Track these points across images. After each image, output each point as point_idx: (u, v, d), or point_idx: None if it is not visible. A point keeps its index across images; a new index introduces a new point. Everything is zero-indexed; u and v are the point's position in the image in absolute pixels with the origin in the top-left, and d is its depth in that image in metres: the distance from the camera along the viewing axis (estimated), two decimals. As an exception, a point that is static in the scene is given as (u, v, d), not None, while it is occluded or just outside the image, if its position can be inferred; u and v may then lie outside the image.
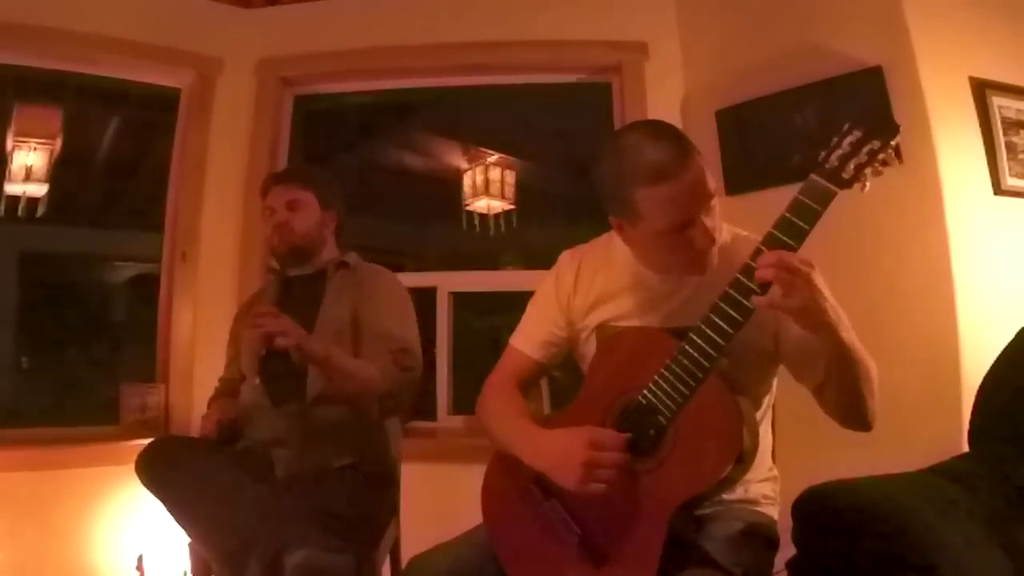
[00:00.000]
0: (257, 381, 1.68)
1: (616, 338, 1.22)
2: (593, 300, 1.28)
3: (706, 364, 1.02)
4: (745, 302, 0.98)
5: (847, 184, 0.95)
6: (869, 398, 1.06)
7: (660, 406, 1.06)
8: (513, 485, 1.19)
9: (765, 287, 0.96)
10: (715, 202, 1.11)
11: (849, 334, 1.01)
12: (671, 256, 1.15)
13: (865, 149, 0.94)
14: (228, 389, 1.80)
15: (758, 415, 1.20)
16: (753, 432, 1.10)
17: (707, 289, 1.13)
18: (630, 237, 1.19)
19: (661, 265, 1.20)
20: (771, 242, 0.98)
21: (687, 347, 1.04)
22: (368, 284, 1.74)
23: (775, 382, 1.27)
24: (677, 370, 1.04)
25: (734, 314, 0.99)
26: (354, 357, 1.62)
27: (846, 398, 1.07)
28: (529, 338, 1.33)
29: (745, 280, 0.99)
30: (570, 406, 1.22)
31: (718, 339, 1.00)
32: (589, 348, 1.28)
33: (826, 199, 0.95)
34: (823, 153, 0.96)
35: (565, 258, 1.37)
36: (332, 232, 1.84)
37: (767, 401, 1.26)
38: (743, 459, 1.07)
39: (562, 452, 1.08)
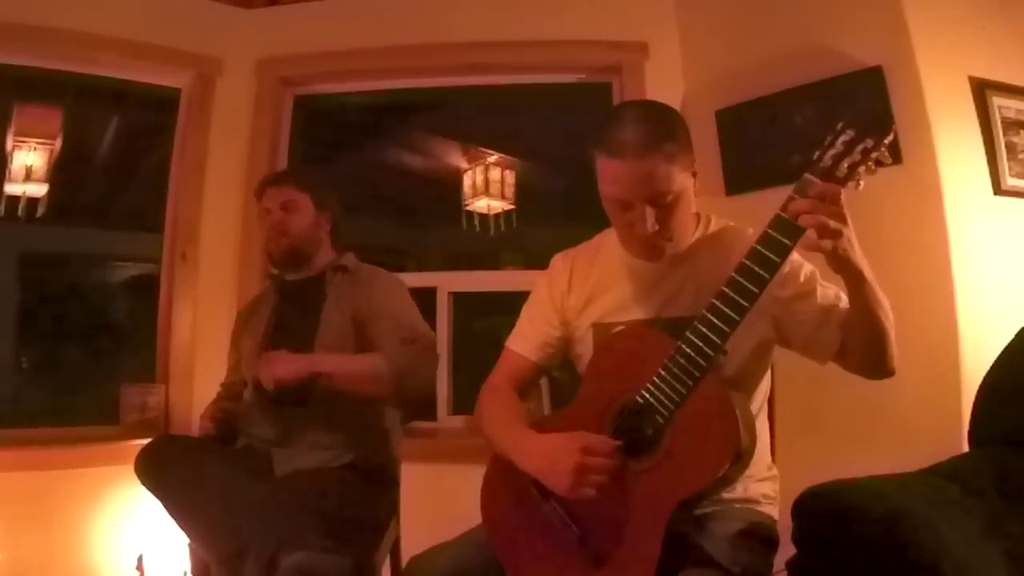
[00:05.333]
0: (252, 387, 1.68)
1: (613, 339, 1.23)
2: (587, 296, 1.29)
3: (703, 363, 1.03)
4: (763, 272, 0.98)
5: (841, 183, 0.95)
6: (892, 341, 1.08)
7: (658, 405, 1.06)
8: (512, 486, 1.19)
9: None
10: (672, 199, 1.13)
11: (871, 276, 1.03)
12: (619, 228, 1.21)
13: (858, 148, 0.94)
14: (230, 394, 1.80)
15: (754, 410, 1.20)
16: (750, 430, 1.10)
17: (697, 277, 1.18)
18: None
19: (620, 237, 1.25)
20: (767, 241, 0.99)
21: (684, 346, 1.04)
22: (366, 284, 1.74)
23: (769, 376, 1.28)
24: (675, 369, 1.05)
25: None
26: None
27: (873, 340, 1.07)
28: (525, 340, 1.34)
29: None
30: (568, 407, 1.23)
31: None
32: (585, 347, 1.28)
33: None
34: (817, 152, 0.96)
35: (558, 260, 1.38)
36: (328, 233, 1.84)
37: (763, 396, 1.26)
38: (741, 457, 1.07)
39: (553, 457, 1.08)
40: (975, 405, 1.47)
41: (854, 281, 1.02)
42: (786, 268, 1.13)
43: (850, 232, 0.97)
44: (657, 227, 1.13)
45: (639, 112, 1.18)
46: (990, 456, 1.35)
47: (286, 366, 1.50)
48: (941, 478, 1.26)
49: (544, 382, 1.52)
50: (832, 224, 0.93)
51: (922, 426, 1.75)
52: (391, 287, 1.76)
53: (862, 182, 0.95)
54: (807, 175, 0.96)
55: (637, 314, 1.23)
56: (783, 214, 0.97)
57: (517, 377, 1.32)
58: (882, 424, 1.82)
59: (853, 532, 1.09)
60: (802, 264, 1.18)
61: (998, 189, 1.97)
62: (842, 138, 0.95)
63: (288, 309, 1.77)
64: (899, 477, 1.25)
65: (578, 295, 1.31)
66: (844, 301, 1.10)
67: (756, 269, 0.99)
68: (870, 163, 0.94)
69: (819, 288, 1.15)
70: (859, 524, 1.09)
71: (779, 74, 2.17)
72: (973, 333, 1.83)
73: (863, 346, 1.09)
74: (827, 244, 0.95)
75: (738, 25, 2.35)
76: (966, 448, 1.48)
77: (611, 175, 1.14)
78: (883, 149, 0.94)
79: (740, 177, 2.25)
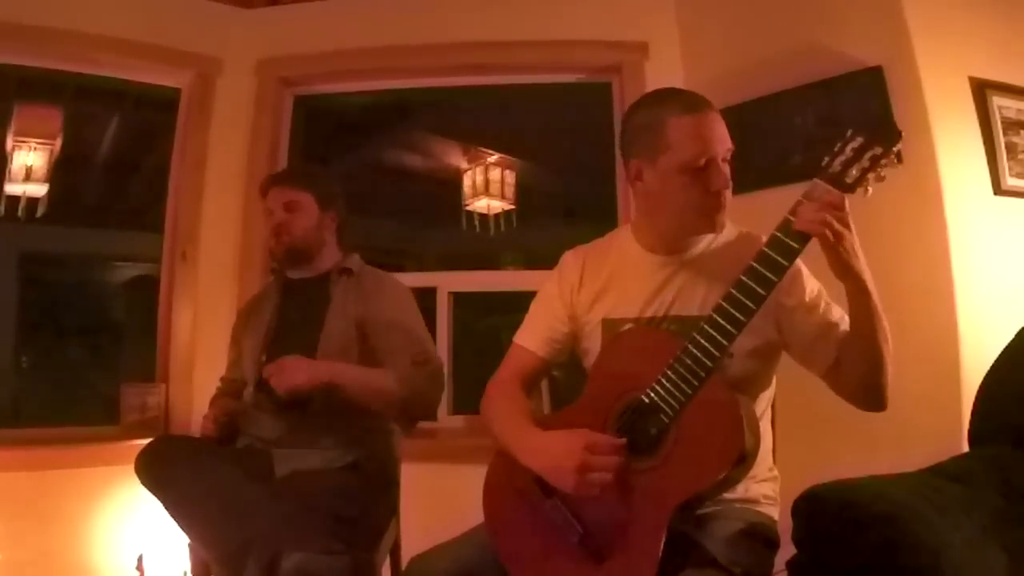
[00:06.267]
0: (252, 388, 1.68)
1: (620, 337, 1.23)
2: (599, 291, 1.30)
3: (709, 364, 1.03)
4: (770, 275, 0.99)
5: (850, 189, 0.96)
6: (888, 371, 1.09)
7: (663, 405, 1.06)
8: (514, 484, 1.19)
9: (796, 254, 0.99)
10: (728, 161, 1.19)
11: (874, 290, 1.03)
12: (687, 198, 1.17)
13: (867, 155, 0.95)
14: (230, 390, 1.79)
15: (758, 413, 1.20)
16: (754, 432, 1.10)
17: (708, 278, 1.19)
18: (649, 182, 1.21)
19: (673, 216, 1.21)
20: (774, 244, 0.99)
21: (690, 346, 1.05)
22: (373, 290, 1.73)
23: (774, 379, 1.28)
24: (681, 369, 1.05)
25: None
26: (361, 364, 1.62)
27: (870, 360, 1.08)
28: (533, 335, 1.34)
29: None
30: (573, 404, 1.23)
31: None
32: (593, 343, 1.28)
33: None
34: (826, 158, 0.97)
35: (568, 256, 1.39)
36: (333, 232, 1.82)
37: (767, 399, 1.27)
38: (744, 459, 1.07)
39: (558, 454, 1.09)
40: (975, 405, 1.47)
41: (856, 290, 1.03)
42: (795, 279, 1.14)
43: (854, 239, 0.98)
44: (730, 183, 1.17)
45: (677, 88, 1.27)
46: (990, 456, 1.35)
47: (302, 374, 1.46)
48: (941, 478, 1.26)
49: (544, 382, 1.52)
50: (837, 225, 0.94)
51: (922, 426, 1.75)
52: (399, 296, 1.74)
53: (871, 188, 0.96)
54: (817, 180, 0.97)
55: (647, 311, 1.23)
56: (791, 218, 0.98)
57: (524, 372, 1.32)
58: (882, 424, 1.81)
59: (853, 532, 1.09)
60: (810, 279, 1.19)
61: (998, 189, 1.97)
62: (851, 144, 0.96)
63: (291, 309, 1.77)
64: (899, 477, 1.25)
65: (589, 290, 1.31)
66: (847, 324, 1.12)
67: (763, 272, 1.00)
68: (879, 170, 0.95)
69: (824, 304, 1.17)
70: (859, 524, 1.09)
71: (779, 74, 2.17)
72: (973, 333, 1.83)
73: (858, 366, 1.09)
74: (831, 237, 0.95)
75: (738, 25, 2.35)
76: (966, 448, 1.48)
77: (694, 129, 1.15)
78: (892, 156, 0.95)
79: (740, 177, 2.22)
